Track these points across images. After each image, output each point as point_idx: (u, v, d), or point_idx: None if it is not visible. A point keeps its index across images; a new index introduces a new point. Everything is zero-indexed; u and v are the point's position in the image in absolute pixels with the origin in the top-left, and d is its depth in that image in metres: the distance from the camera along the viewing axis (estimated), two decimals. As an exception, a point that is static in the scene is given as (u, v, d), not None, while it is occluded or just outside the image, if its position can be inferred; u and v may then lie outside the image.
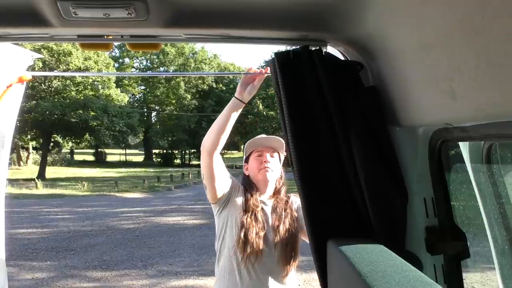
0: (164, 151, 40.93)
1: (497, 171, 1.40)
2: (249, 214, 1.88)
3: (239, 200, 1.93)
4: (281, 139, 2.01)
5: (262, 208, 1.94)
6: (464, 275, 1.32)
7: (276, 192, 2.01)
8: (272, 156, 1.98)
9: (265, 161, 1.96)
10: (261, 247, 1.84)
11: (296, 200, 2.04)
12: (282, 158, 2.06)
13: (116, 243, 7.98)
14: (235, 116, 1.82)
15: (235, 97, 1.81)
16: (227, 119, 1.81)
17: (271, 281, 1.87)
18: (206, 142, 1.83)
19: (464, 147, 1.40)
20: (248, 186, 2.00)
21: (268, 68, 1.52)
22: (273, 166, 1.97)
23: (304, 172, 1.29)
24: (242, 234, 1.84)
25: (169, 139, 37.84)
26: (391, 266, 0.95)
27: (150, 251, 7.40)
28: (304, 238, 1.98)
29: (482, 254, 1.60)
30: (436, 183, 1.29)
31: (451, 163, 1.39)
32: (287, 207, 1.97)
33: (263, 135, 2.09)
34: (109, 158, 44.26)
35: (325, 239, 1.26)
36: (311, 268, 5.85)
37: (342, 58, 1.37)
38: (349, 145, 1.26)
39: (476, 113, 0.88)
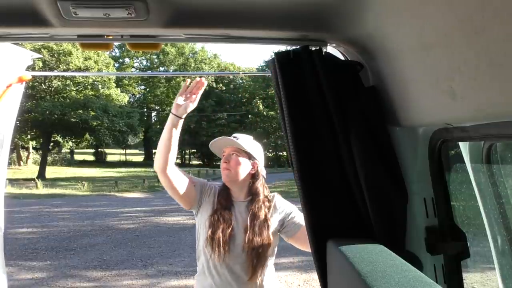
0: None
1: (497, 171, 1.40)
2: (217, 214, 1.92)
3: (211, 200, 1.98)
4: (245, 138, 2.02)
5: (233, 208, 1.96)
6: (464, 275, 1.32)
7: (254, 193, 1.99)
8: (232, 156, 1.97)
9: (224, 162, 1.98)
10: (227, 246, 1.87)
11: (281, 202, 2.03)
12: (260, 158, 2.04)
13: (116, 243, 7.98)
14: (176, 132, 1.85)
15: (172, 113, 1.85)
16: (168, 137, 1.84)
17: (239, 281, 1.89)
18: (156, 162, 1.89)
19: (464, 147, 1.40)
20: (222, 186, 2.03)
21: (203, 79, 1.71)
22: (231, 166, 1.95)
23: (304, 172, 1.28)
24: (209, 232, 1.89)
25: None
26: (391, 266, 0.95)
27: (150, 251, 7.40)
28: (292, 242, 1.99)
29: (482, 254, 1.60)
30: (436, 183, 1.29)
31: (451, 163, 1.39)
32: (264, 208, 1.95)
33: (237, 134, 2.08)
34: (109, 158, 44.27)
35: (325, 239, 1.26)
36: (311, 268, 5.86)
37: (342, 58, 1.37)
38: (349, 145, 1.26)
39: (476, 113, 0.88)
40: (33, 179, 20.13)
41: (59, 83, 26.35)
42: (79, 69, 24.88)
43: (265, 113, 36.48)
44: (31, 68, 1.72)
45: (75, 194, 16.95)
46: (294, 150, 1.29)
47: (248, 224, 1.91)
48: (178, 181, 1.91)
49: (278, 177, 24.51)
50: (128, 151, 46.21)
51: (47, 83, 25.95)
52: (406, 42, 1.05)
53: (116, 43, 1.90)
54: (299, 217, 1.98)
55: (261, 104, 36.93)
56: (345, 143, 1.26)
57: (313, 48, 1.29)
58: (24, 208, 11.91)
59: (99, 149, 42.97)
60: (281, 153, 38.74)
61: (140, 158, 44.12)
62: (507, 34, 0.67)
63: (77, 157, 43.02)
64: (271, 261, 1.98)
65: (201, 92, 1.85)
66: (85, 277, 5.93)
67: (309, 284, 5.66)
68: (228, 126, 38.03)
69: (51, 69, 23.98)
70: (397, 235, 1.25)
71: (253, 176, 2.01)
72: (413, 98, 1.12)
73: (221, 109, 38.63)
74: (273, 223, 1.96)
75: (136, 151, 50.65)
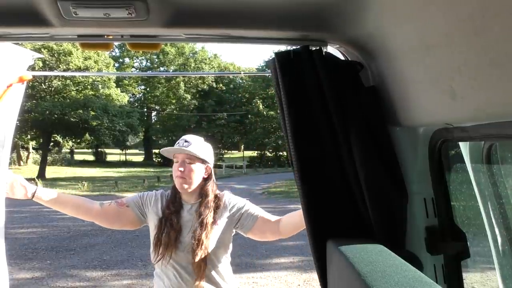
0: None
1: (497, 171, 1.40)
2: (164, 219, 1.95)
3: (156, 207, 2.00)
4: (197, 142, 1.98)
5: (182, 211, 1.97)
6: (464, 275, 1.32)
7: (204, 195, 1.98)
8: (187, 163, 1.94)
9: (179, 169, 1.94)
10: (173, 248, 1.89)
11: (231, 198, 2.03)
12: (211, 160, 2.02)
13: (116, 243, 7.98)
14: (61, 205, 1.97)
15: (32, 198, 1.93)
16: (65, 211, 1.99)
17: (190, 282, 1.90)
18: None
19: (464, 147, 1.40)
20: (172, 189, 2.03)
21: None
22: (186, 174, 1.93)
23: (304, 172, 1.28)
24: (155, 236, 1.94)
25: (169, 139, 37.86)
26: (391, 266, 0.95)
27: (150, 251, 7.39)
28: (251, 235, 2.01)
29: (482, 254, 1.60)
30: (436, 183, 1.29)
31: (451, 163, 1.39)
32: (212, 208, 1.95)
33: (188, 137, 2.02)
34: (109, 158, 44.24)
35: (325, 239, 1.26)
36: (311, 268, 5.86)
37: (342, 58, 1.37)
38: (349, 145, 1.26)
39: (476, 113, 0.88)
40: (33, 179, 20.05)
41: (59, 83, 26.33)
42: (79, 69, 24.87)
43: (265, 113, 36.47)
44: (32, 68, 1.72)
45: (75, 194, 16.94)
46: (294, 150, 1.29)
47: (196, 225, 1.92)
48: (110, 218, 2.01)
49: (278, 177, 24.51)
50: (128, 151, 46.20)
51: (47, 83, 25.93)
52: (406, 42, 1.05)
53: (116, 43, 1.90)
54: (254, 209, 2.01)
55: (261, 104, 36.92)
56: (345, 143, 1.26)
57: (313, 48, 1.29)
58: (24, 208, 11.90)
59: (99, 149, 42.94)
60: (281, 153, 38.73)
61: (140, 158, 44.10)
62: (507, 34, 0.67)
63: (77, 157, 43.00)
64: (225, 260, 2.00)
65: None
66: (85, 277, 5.93)
67: (309, 284, 5.66)
68: (228, 126, 38.04)
69: (51, 69, 23.97)
70: (397, 235, 1.25)
71: (205, 179, 2.01)
72: (413, 98, 1.12)
73: (221, 109, 38.64)
74: (224, 222, 1.97)
75: (136, 151, 50.63)
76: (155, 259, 1.94)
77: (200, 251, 1.87)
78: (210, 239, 1.91)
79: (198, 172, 1.96)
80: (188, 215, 1.97)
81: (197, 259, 1.87)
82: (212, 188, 2.01)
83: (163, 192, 2.06)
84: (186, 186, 1.94)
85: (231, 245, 2.03)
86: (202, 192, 1.99)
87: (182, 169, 1.93)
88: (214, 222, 1.94)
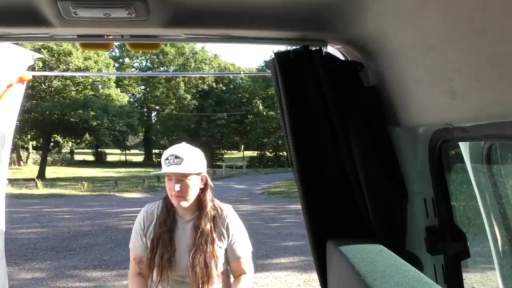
0: (164, 151, 40.83)
1: (497, 171, 1.40)
2: (157, 238, 1.83)
3: (152, 225, 1.88)
4: (188, 153, 1.82)
5: (177, 229, 1.85)
6: (464, 275, 1.32)
7: (201, 208, 1.86)
8: (181, 180, 1.78)
9: (175, 189, 1.77)
10: (168, 270, 1.79)
11: (233, 220, 1.90)
12: (204, 167, 1.89)
13: (116, 243, 7.97)
14: None
15: None
16: None
17: None
18: None
19: (464, 147, 1.40)
20: (164, 203, 1.89)
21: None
22: (184, 192, 1.79)
23: (304, 172, 1.28)
24: (148, 256, 1.83)
25: (169, 139, 37.87)
26: (391, 266, 0.95)
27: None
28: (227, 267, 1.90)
29: (482, 254, 1.60)
30: (436, 183, 1.29)
31: (451, 163, 1.39)
32: (210, 222, 1.84)
33: (178, 151, 1.83)
34: (109, 158, 44.27)
35: (324, 239, 1.27)
36: (311, 268, 5.86)
37: (342, 58, 1.37)
38: (349, 145, 1.26)
39: (476, 113, 0.88)
40: (33, 179, 20.12)
41: (59, 83, 26.34)
42: (79, 69, 24.88)
43: (265, 113, 36.48)
44: (31, 68, 1.72)
45: (75, 194, 16.94)
46: (294, 150, 1.29)
47: (193, 242, 1.81)
48: (146, 273, 1.88)
49: (278, 177, 24.51)
50: (128, 151, 46.21)
51: (47, 83, 25.94)
52: (406, 42, 1.05)
53: (116, 43, 1.90)
54: (242, 248, 1.91)
55: (261, 104, 36.93)
56: (345, 143, 1.26)
57: (313, 48, 1.29)
58: (24, 208, 11.90)
59: (99, 149, 42.96)
60: (281, 153, 38.73)
61: (140, 158, 44.11)
62: (507, 35, 0.67)
63: (77, 157, 43.01)
64: (225, 272, 1.92)
65: None
66: (85, 277, 5.93)
67: (309, 284, 5.66)
68: (228, 126, 38.04)
69: (51, 69, 23.97)
70: (397, 235, 1.25)
71: (202, 189, 1.88)
72: (414, 98, 1.12)
73: (221, 109, 38.64)
74: (219, 238, 1.86)
75: (136, 151, 50.64)
76: (150, 284, 1.85)
77: (200, 269, 1.78)
78: (208, 256, 1.80)
79: (194, 186, 1.83)
80: (183, 232, 1.85)
81: (196, 277, 1.78)
82: (210, 197, 1.89)
83: (148, 209, 1.91)
84: (184, 203, 1.81)
85: (223, 262, 1.92)
86: (199, 204, 1.86)
87: (178, 188, 1.77)
88: (211, 237, 1.82)
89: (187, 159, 1.80)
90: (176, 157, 1.80)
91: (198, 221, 1.84)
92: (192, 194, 1.83)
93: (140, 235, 1.90)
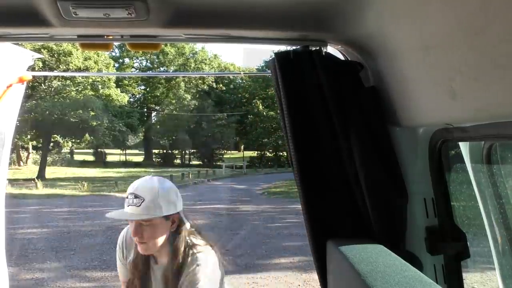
0: (164, 151, 40.95)
1: (497, 171, 1.40)
2: (131, 280, 1.72)
3: (128, 256, 1.80)
4: (150, 190, 1.58)
5: (151, 273, 1.71)
6: (464, 275, 1.32)
7: (173, 253, 1.63)
8: (144, 226, 1.58)
9: (134, 236, 1.59)
10: None
11: (203, 261, 1.61)
12: (178, 204, 1.65)
13: (116, 243, 7.97)
14: None
15: None
16: None
17: None
18: None
19: (464, 147, 1.40)
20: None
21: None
22: (147, 238, 1.59)
23: (304, 172, 1.28)
24: None
25: (169, 139, 37.88)
26: (391, 266, 0.95)
27: None
28: None
29: (482, 254, 1.60)
30: (436, 183, 1.29)
31: (451, 163, 1.39)
32: (177, 272, 1.62)
33: (139, 188, 1.59)
34: (109, 158, 44.23)
35: (324, 239, 1.26)
36: (311, 268, 5.86)
37: (342, 58, 1.37)
38: (349, 145, 1.26)
39: (476, 113, 0.88)
40: (33, 179, 20.13)
41: (59, 83, 26.36)
42: (79, 69, 24.89)
43: (265, 113, 36.50)
44: (31, 68, 1.72)
45: (75, 194, 16.95)
46: (294, 150, 1.29)
47: None
48: None
49: (278, 177, 24.52)
50: (128, 151, 46.19)
51: (47, 83, 25.96)
52: (406, 42, 1.05)
53: (116, 43, 1.90)
54: None
55: (261, 104, 36.96)
56: (345, 143, 1.26)
57: (313, 48, 1.29)
58: (24, 208, 11.90)
59: (99, 149, 42.95)
60: (281, 153, 38.74)
61: (140, 158, 44.08)
62: (507, 34, 0.67)
63: (77, 157, 42.98)
64: None
65: None
66: (85, 277, 5.93)
67: (309, 284, 5.66)
68: (228, 126, 38.04)
69: (51, 69, 23.98)
70: (397, 235, 1.25)
71: (174, 232, 1.65)
72: (413, 98, 1.12)
73: (221, 109, 38.66)
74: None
75: (136, 151, 50.61)
76: None
77: None
78: None
79: (160, 232, 1.60)
80: (154, 278, 1.70)
81: None
82: (184, 242, 1.64)
83: (128, 234, 1.76)
84: (148, 251, 1.63)
85: None
86: (173, 247, 1.63)
87: (138, 234, 1.56)
88: (186, 281, 1.60)
89: (149, 200, 1.55)
90: (136, 196, 1.55)
91: (166, 271, 1.66)
92: (159, 239, 1.61)
93: (121, 262, 1.84)
